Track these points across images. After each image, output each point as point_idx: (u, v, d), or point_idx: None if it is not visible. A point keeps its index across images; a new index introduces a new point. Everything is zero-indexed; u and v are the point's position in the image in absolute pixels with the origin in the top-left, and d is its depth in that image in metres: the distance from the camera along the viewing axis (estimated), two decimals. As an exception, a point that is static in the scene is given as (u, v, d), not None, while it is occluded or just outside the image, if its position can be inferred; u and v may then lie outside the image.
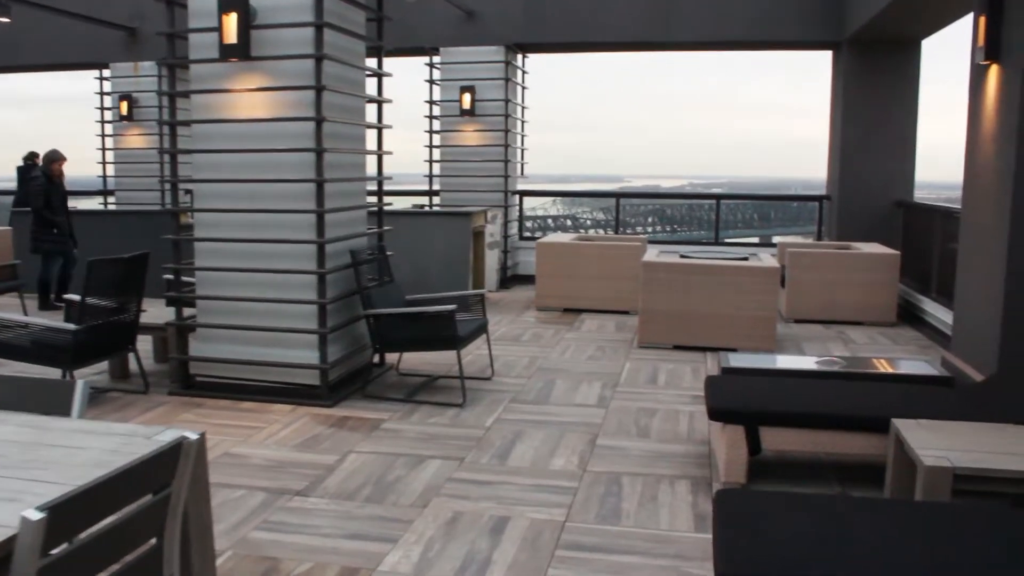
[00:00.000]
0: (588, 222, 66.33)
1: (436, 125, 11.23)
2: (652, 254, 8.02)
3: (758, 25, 10.50)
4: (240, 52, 5.46)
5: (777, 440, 4.24)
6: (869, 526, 2.77)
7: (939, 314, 8.17)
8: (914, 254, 9.04)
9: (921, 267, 9.00)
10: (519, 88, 11.56)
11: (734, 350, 7.35)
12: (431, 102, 11.16)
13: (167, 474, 2.00)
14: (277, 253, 5.66)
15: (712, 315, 7.40)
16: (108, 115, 12.68)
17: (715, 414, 4.28)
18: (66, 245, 9.31)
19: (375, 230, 6.51)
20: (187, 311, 6.09)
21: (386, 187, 6.91)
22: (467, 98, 10.92)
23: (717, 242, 11.50)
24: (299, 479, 4.36)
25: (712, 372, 6.63)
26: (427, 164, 11.31)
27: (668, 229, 65.09)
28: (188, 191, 6.41)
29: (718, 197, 11.65)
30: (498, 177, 11.02)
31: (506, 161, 10.97)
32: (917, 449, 3.54)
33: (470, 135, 11.11)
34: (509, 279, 11.31)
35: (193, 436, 2.03)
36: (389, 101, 6.47)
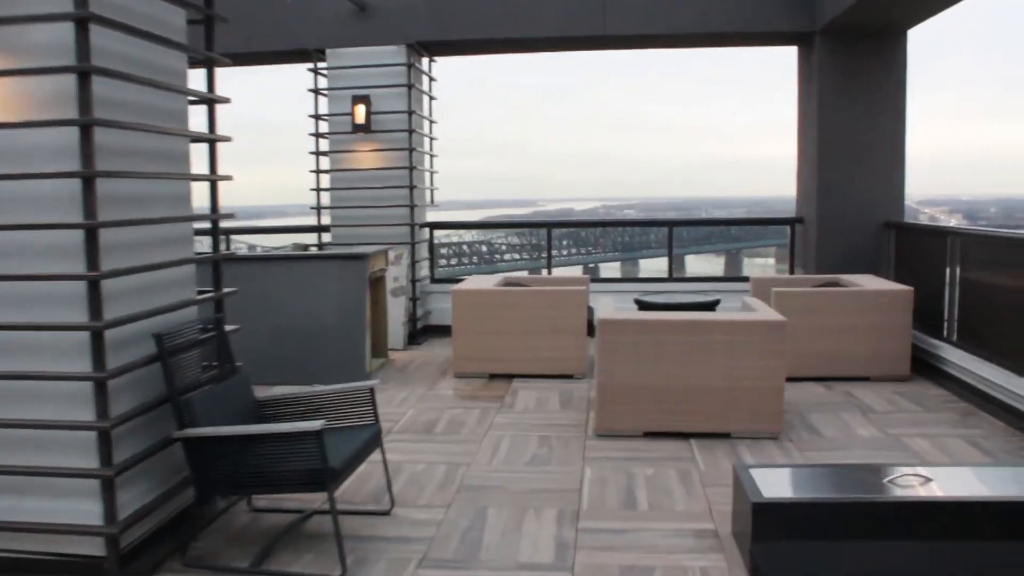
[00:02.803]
0: (503, 247, 64.69)
1: (323, 145, 9.08)
2: (606, 306, 5.99)
3: (711, 15, 8.67)
4: (-56, 13, 3.26)
5: None
6: None
7: (967, 365, 6.37)
8: (916, 288, 7.19)
9: (929, 305, 7.18)
10: (425, 98, 9.49)
11: (727, 436, 5.41)
12: (316, 116, 9.00)
13: None
14: (28, 345, 3.45)
15: (696, 389, 5.41)
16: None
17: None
18: None
19: (208, 295, 4.33)
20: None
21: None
22: (361, 110, 8.80)
23: (671, 277, 9.58)
24: None
25: (709, 478, 4.62)
26: (314, 193, 9.12)
27: (583, 252, 63.69)
28: None
29: (671, 223, 9.73)
30: (403, 207, 8.91)
31: (411, 187, 8.86)
32: None
33: (366, 156, 8.98)
34: (420, 332, 9.18)
35: None
36: (225, 100, 4.31)
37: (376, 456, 4.34)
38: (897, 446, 5.27)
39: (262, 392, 4.32)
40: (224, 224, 5.39)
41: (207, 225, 4.46)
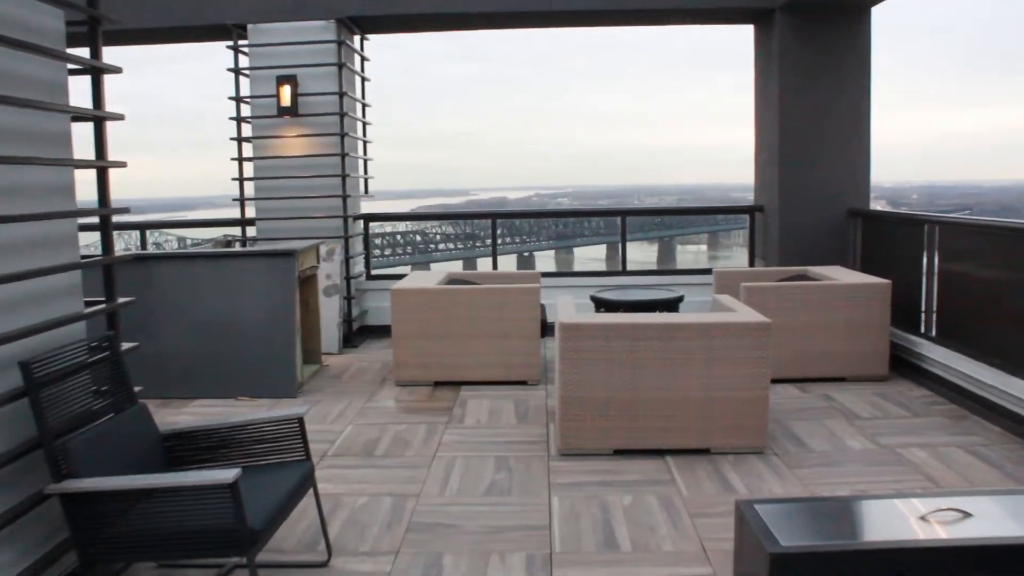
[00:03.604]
0: (438, 236, 63.87)
1: (246, 130, 8.27)
2: (565, 306, 5.34)
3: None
4: None
5: None
6: None
7: (951, 363, 5.91)
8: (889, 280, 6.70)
9: (903, 298, 6.68)
10: (357, 79, 8.73)
11: (706, 451, 4.83)
12: (238, 99, 8.18)
13: None
14: None
15: (672, 400, 4.80)
16: None
17: None
18: None
19: (98, 307, 3.57)
20: None
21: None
22: (286, 92, 8.01)
23: (624, 271, 8.98)
24: None
25: (695, 505, 4.03)
26: (237, 184, 8.30)
27: (517, 241, 63.21)
28: None
29: (624, 213, 9.11)
30: (335, 198, 8.14)
31: (344, 176, 8.11)
32: None
33: (293, 142, 8.19)
34: (356, 334, 8.43)
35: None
36: (116, 70, 3.55)
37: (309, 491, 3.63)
38: (894, 459, 4.74)
39: (171, 418, 3.59)
40: (131, 219, 4.65)
41: (101, 220, 3.69)
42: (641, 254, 59.59)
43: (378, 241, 59.27)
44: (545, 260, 67.16)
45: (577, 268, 67.46)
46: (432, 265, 62.19)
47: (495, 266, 9.13)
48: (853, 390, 6.19)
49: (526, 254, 64.98)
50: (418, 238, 63.03)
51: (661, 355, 4.77)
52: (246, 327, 6.35)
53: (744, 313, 5.04)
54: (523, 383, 6.48)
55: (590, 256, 69.73)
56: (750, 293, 6.30)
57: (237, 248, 7.34)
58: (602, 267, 68.49)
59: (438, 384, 6.50)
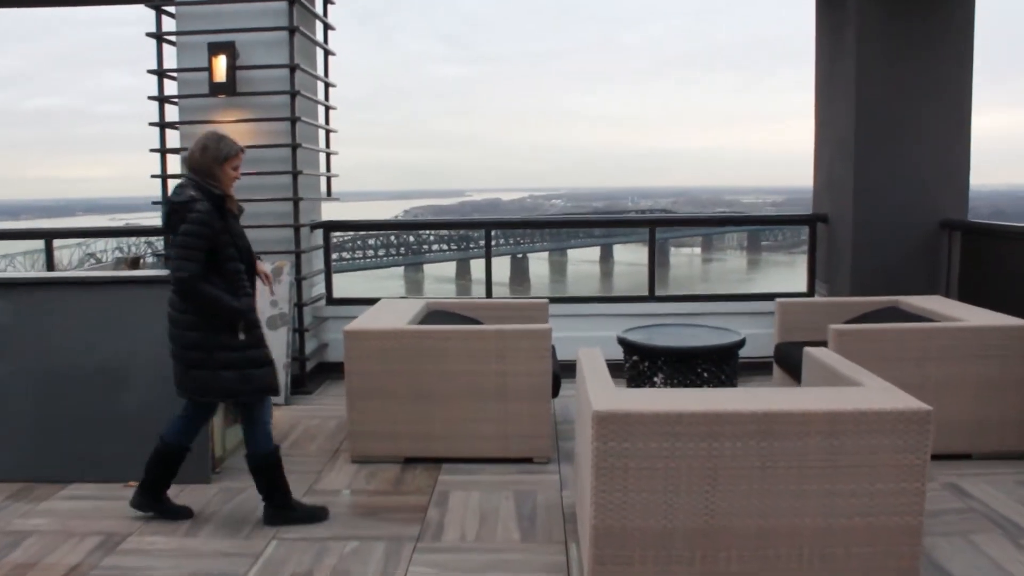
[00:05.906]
0: (432, 237, 62.22)
1: (172, 113, 6.46)
2: (593, 369, 3.55)
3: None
4: None
5: None
6: None
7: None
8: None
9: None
10: (318, 52, 6.94)
11: (824, 610, 3.02)
12: (160, 72, 6.37)
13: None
14: None
15: (773, 532, 3.01)
16: None
17: None
18: (266, 364, 4.04)
19: None
20: None
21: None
22: (221, 64, 6.20)
23: (651, 295, 7.15)
24: None
25: None
26: (158, 182, 6.49)
27: (511, 242, 61.52)
28: None
29: (653, 223, 7.27)
30: (284, 201, 6.34)
31: (295, 173, 6.29)
32: None
33: (230, 129, 6.34)
34: (311, 375, 6.61)
35: None
36: None
37: None
38: None
39: (19, 520, 1.80)
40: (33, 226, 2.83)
41: None
42: (632, 255, 57.93)
43: (371, 242, 57.73)
44: (539, 262, 65.65)
45: (571, 269, 66.05)
46: (425, 267, 60.74)
47: (488, 288, 7.30)
48: (987, 476, 4.42)
49: (520, 256, 63.50)
50: (411, 239, 61.51)
51: (756, 461, 2.97)
52: (138, 383, 4.55)
53: (878, 391, 3.24)
54: (527, 461, 4.68)
55: (584, 258, 68.26)
56: (842, 339, 4.52)
57: (138, 272, 5.46)
58: (595, 269, 67.06)
59: (409, 461, 4.70)
